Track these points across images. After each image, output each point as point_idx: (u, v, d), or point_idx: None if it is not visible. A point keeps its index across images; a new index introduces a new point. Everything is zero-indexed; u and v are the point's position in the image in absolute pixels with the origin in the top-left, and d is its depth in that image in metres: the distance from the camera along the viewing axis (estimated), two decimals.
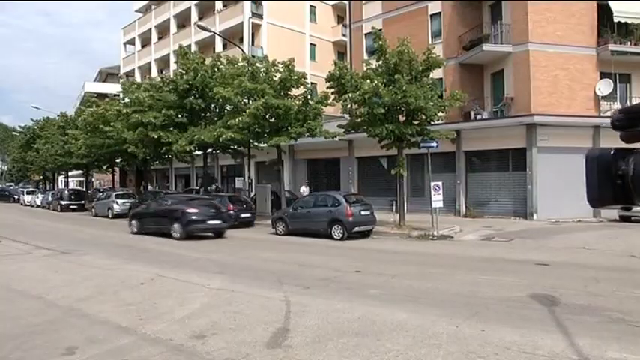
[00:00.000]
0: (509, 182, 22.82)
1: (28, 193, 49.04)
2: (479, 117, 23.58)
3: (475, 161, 24.29)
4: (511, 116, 22.41)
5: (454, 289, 8.89)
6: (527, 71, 21.98)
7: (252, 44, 36.61)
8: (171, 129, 25.63)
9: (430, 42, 25.16)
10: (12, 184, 78.82)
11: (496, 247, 14.88)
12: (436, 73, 20.88)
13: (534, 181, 21.49)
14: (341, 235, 16.82)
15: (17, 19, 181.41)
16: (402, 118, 18.90)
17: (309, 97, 22.41)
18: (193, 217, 17.64)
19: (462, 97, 18.63)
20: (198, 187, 33.48)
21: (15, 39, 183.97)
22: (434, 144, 18.59)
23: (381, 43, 18.33)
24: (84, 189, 47.85)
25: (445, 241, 16.32)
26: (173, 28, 46.42)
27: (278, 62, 22.18)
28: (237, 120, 21.20)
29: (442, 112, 19.34)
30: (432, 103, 18.03)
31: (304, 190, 20.99)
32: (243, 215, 21.85)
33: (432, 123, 19.47)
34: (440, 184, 17.76)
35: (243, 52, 27.00)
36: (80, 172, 48.68)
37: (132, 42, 54.32)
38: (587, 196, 1.45)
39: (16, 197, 51.05)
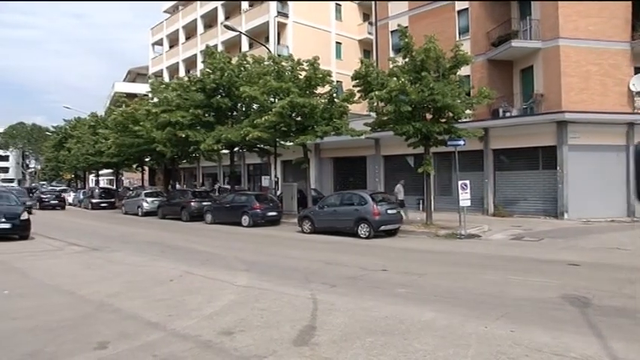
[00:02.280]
0: (539, 181, 22.39)
1: (61, 191, 50.18)
2: (507, 114, 23.19)
3: (503, 159, 23.90)
4: (541, 113, 21.98)
5: (483, 289, 8.76)
6: (558, 67, 21.51)
7: (278, 43, 36.76)
8: (198, 128, 25.97)
9: (457, 38, 24.87)
10: (45, 182, 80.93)
11: (526, 246, 14.61)
12: (464, 71, 20.63)
13: (565, 179, 21.04)
14: (367, 233, 16.76)
15: (49, 21, 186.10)
16: (428, 116, 18.75)
17: (334, 95, 22.41)
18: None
19: (490, 94, 18.37)
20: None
21: (47, 41, 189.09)
22: (461, 142, 18.36)
23: (407, 40, 18.20)
24: (114, 187, 48.80)
25: (473, 241, 16.11)
26: (200, 28, 46.93)
27: (303, 61, 22.22)
28: (263, 119, 21.33)
29: (470, 109, 19.13)
30: (459, 101, 17.82)
31: (399, 189, 20.63)
32: (269, 214, 21.98)
33: (460, 121, 19.26)
34: (467, 182, 17.52)
35: (269, 51, 27.12)
36: (110, 170, 49.67)
37: (160, 42, 55.12)
38: (635, 191, 1.40)
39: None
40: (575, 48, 21.53)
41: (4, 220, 16.22)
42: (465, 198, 17.17)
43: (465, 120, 20.05)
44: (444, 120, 18.65)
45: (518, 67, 24.51)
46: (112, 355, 5.46)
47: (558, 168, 21.25)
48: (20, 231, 16.65)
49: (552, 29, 21.79)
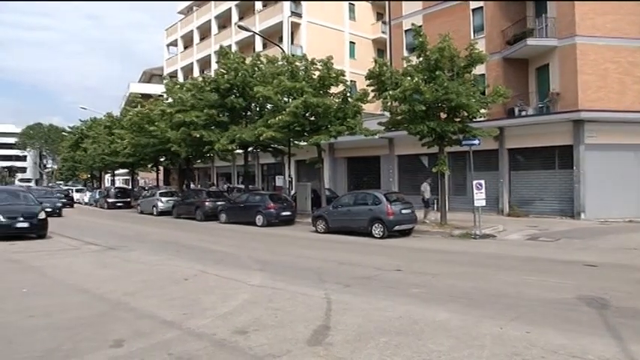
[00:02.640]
0: (555, 180, 22.15)
1: (77, 191, 50.86)
2: (523, 113, 22.97)
3: (519, 159, 23.69)
4: (557, 112, 21.73)
5: (498, 289, 8.69)
6: (575, 65, 21.25)
7: (292, 43, 36.81)
8: (212, 128, 26.10)
9: (472, 37, 24.71)
10: (61, 182, 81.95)
11: (542, 247, 14.47)
12: (478, 69, 20.50)
13: (582, 179, 20.79)
14: (381, 233, 16.73)
15: (66, 23, 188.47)
16: (443, 116, 18.65)
17: (348, 94, 22.40)
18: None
19: (506, 93, 18.24)
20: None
21: (63, 42, 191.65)
22: (476, 141, 18.24)
23: (421, 39, 18.12)
24: (130, 187, 49.26)
25: (488, 241, 15.99)
26: (214, 28, 47.18)
27: (317, 60, 22.23)
28: (277, 119, 21.39)
29: (485, 108, 18.96)
30: (474, 100, 17.69)
31: (425, 187, 20.43)
32: (283, 213, 22.03)
33: (474, 120, 19.13)
34: (482, 182, 17.39)
35: (283, 51, 27.18)
36: (126, 170, 50.14)
37: (174, 43, 55.52)
38: None
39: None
40: (593, 46, 21.25)
41: (22, 219, 16.46)
42: (479, 198, 17.05)
43: (479, 119, 19.90)
44: (458, 119, 18.54)
45: (534, 65, 24.26)
46: (127, 353, 5.51)
47: (575, 167, 21.01)
48: (38, 230, 16.88)
49: (569, 27, 21.53)
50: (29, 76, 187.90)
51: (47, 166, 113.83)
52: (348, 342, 5.82)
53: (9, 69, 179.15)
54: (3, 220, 16.16)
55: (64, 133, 75.09)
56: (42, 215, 17.08)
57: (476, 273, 10.47)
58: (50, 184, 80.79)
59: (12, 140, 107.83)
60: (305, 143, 23.60)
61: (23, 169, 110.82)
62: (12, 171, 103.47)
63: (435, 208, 21.40)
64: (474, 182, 17.20)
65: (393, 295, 8.24)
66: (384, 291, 8.62)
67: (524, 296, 8.10)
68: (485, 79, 23.93)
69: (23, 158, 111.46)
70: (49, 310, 7.34)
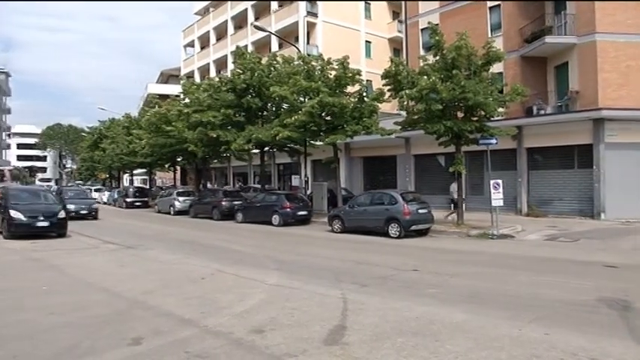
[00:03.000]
0: (575, 180, 21.84)
1: (96, 190, 51.48)
2: (542, 112, 22.70)
3: (537, 158, 23.41)
4: (577, 111, 21.42)
5: (516, 290, 8.60)
6: (594, 63, 20.93)
7: (308, 43, 36.83)
8: (229, 128, 26.24)
9: (489, 35, 24.48)
10: (80, 182, 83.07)
11: (561, 247, 14.28)
12: (496, 68, 20.28)
13: (602, 178, 20.47)
14: (398, 233, 16.66)
15: (83, 24, 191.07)
16: (460, 115, 18.52)
17: (364, 94, 22.35)
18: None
19: (524, 91, 18.01)
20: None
21: (81, 44, 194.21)
22: (493, 140, 18.06)
23: (437, 38, 18.00)
24: (147, 187, 49.75)
25: (506, 241, 15.83)
26: (230, 29, 47.41)
27: (333, 60, 22.22)
28: (293, 118, 21.43)
29: (502, 107, 18.78)
30: (491, 99, 17.52)
31: (454, 187, 20.10)
32: (299, 213, 22.06)
33: (492, 119, 18.95)
34: (500, 181, 17.23)
35: (299, 50, 27.22)
36: (144, 170, 50.68)
37: (191, 44, 55.92)
38: None
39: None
40: (613, 43, 20.91)
41: (42, 218, 16.75)
42: (497, 198, 16.89)
43: (497, 118, 19.71)
44: (475, 118, 18.38)
45: (553, 63, 23.96)
46: (145, 350, 5.56)
47: (595, 167, 20.69)
48: (57, 229, 17.15)
49: (588, 24, 21.22)
50: (49, 78, 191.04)
51: (67, 166, 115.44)
52: (364, 342, 5.81)
53: (29, 70, 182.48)
54: (24, 219, 16.46)
55: (83, 133, 76.18)
56: (62, 214, 17.36)
57: (494, 273, 10.37)
58: (70, 184, 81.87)
59: (32, 141, 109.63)
60: (321, 143, 23.60)
61: (43, 169, 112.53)
62: (33, 171, 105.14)
63: (452, 207, 21.21)
64: (492, 182, 17.05)
65: (409, 296, 8.20)
66: (401, 291, 8.59)
67: (543, 297, 8.00)
68: (502, 77, 23.69)
69: (43, 158, 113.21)
70: (68, 308, 7.44)
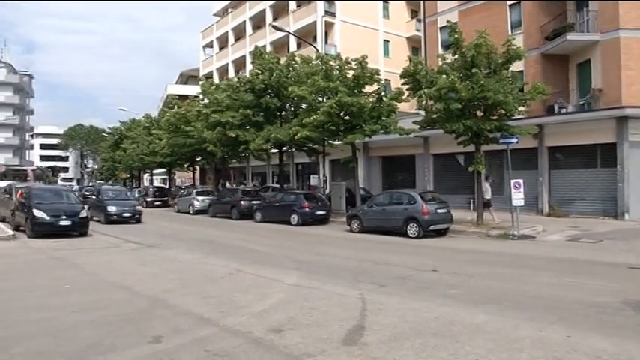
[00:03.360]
0: (597, 179, 21.47)
1: None
2: (563, 110, 22.36)
3: (559, 157, 23.07)
4: (599, 109, 21.06)
5: (537, 291, 8.48)
6: (618, 60, 20.54)
7: (326, 42, 36.82)
8: (248, 128, 26.38)
9: (509, 33, 24.20)
10: (102, 182, 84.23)
11: (583, 248, 14.05)
12: (516, 66, 20.06)
13: (626, 178, 20.09)
14: (417, 233, 16.57)
15: (104, 26, 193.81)
16: (479, 114, 18.35)
17: (383, 93, 22.28)
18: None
19: (545, 89, 17.76)
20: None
21: (102, 45, 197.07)
22: (514, 140, 17.82)
23: (457, 36, 17.87)
24: (167, 186, 50.24)
25: (527, 241, 15.63)
26: (249, 29, 47.62)
27: (351, 60, 22.18)
28: (311, 118, 21.45)
29: (523, 106, 18.54)
30: (511, 97, 17.32)
31: (487, 187, 19.65)
32: (318, 213, 22.08)
33: (512, 118, 18.73)
34: (520, 181, 17.02)
35: (317, 50, 27.22)
36: (163, 170, 51.15)
37: (210, 45, 56.30)
38: None
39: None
40: (638, 39, 20.50)
41: (64, 217, 17.03)
42: (518, 197, 16.69)
43: (517, 117, 19.47)
44: (495, 117, 18.21)
45: (575, 61, 23.59)
46: (165, 349, 5.60)
47: (618, 166, 20.32)
48: (79, 228, 17.43)
49: (611, 20, 20.84)
50: (71, 79, 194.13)
51: (88, 166, 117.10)
52: (383, 342, 5.78)
53: (51, 72, 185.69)
54: (47, 218, 16.75)
55: (104, 134, 77.18)
56: (83, 214, 17.63)
57: (514, 274, 10.25)
58: (91, 184, 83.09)
59: (55, 141, 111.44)
60: (339, 143, 23.58)
61: (65, 169, 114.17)
62: (55, 171, 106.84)
63: (472, 207, 21.04)
64: (512, 182, 16.86)
65: (428, 296, 8.15)
66: (420, 291, 8.54)
67: (565, 299, 7.88)
68: (523, 75, 23.41)
69: (65, 159, 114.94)
70: (90, 306, 7.55)
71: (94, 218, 22.31)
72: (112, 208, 22.62)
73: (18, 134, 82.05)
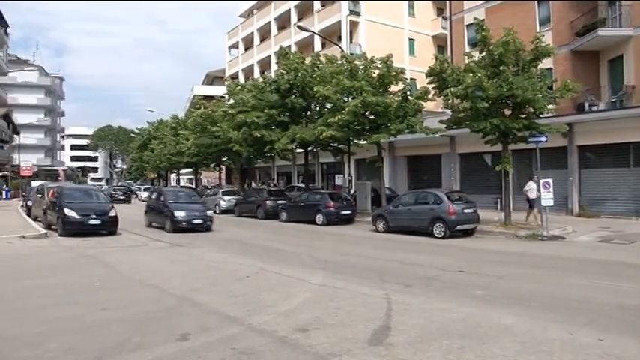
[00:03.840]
0: (630, 179, 20.91)
1: (145, 190, 52.98)
2: (594, 108, 21.86)
3: (590, 156, 22.55)
4: (632, 106, 20.49)
5: (567, 293, 8.31)
6: None
7: (351, 42, 36.76)
8: (273, 128, 26.49)
9: (538, 30, 23.79)
10: (130, 181, 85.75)
11: (615, 249, 13.70)
12: (545, 63, 19.67)
13: None
14: (443, 233, 16.41)
15: (132, 29, 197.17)
16: (507, 112, 18.06)
17: (408, 92, 22.13)
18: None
19: (575, 87, 17.38)
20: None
21: (131, 47, 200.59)
22: (543, 138, 17.48)
23: (484, 33, 17.64)
24: (193, 186, 50.83)
25: (556, 242, 15.32)
26: (274, 30, 47.86)
27: (376, 59, 22.09)
28: (336, 118, 21.43)
29: (552, 104, 18.20)
30: (540, 95, 16.99)
31: (531, 186, 18.88)
32: (343, 212, 22.06)
33: (541, 116, 18.38)
34: (550, 181, 16.70)
35: (342, 50, 27.19)
36: (190, 170, 51.77)
37: (235, 46, 56.77)
38: None
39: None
40: None
41: (94, 216, 17.39)
42: (547, 197, 16.38)
43: (546, 115, 19.10)
44: (524, 116, 17.90)
45: (606, 57, 23.04)
46: (192, 346, 5.67)
47: None
48: (109, 227, 17.75)
49: None
50: (99, 81, 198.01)
51: (117, 166, 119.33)
52: (409, 343, 5.74)
53: (81, 74, 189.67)
54: (77, 217, 17.12)
55: (132, 134, 78.57)
56: (113, 213, 17.96)
57: (543, 275, 10.06)
58: (120, 183, 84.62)
59: (85, 142, 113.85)
60: (365, 142, 23.51)
61: (95, 169, 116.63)
62: (85, 171, 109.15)
63: (499, 207, 20.70)
64: (541, 181, 16.55)
65: (455, 297, 8.06)
66: (446, 292, 8.45)
67: (597, 301, 7.69)
68: (552, 73, 22.96)
69: (95, 159, 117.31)
70: (119, 304, 7.69)
71: (154, 224, 20.66)
72: (180, 214, 18.68)
73: (49, 135, 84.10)
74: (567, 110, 22.29)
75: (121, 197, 43.75)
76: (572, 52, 23.40)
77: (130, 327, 6.42)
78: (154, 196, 22.92)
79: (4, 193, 38.60)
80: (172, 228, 18.56)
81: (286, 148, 25.88)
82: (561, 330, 6.15)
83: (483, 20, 19.07)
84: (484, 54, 17.82)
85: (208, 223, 19.33)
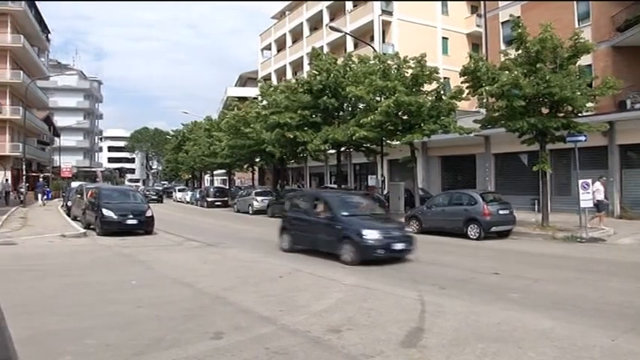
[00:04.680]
0: None
1: (179, 190, 53.96)
2: (637, 106, 21.12)
3: (632, 156, 21.78)
4: None
5: (608, 297, 8.04)
6: None
7: (383, 41, 36.54)
8: (306, 129, 26.57)
9: (577, 25, 23.14)
10: (165, 182, 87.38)
11: None
12: (584, 60, 19.16)
13: None
14: (477, 234, 16.14)
15: (166, 33, 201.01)
16: (544, 111, 17.63)
17: (442, 92, 21.86)
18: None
19: (616, 84, 16.82)
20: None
21: (165, 51, 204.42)
22: (582, 137, 16.99)
23: (520, 30, 17.26)
24: (227, 187, 51.45)
25: (596, 245, 14.87)
26: (306, 31, 47.99)
27: (409, 58, 21.90)
28: (369, 118, 21.35)
29: (592, 102, 17.67)
30: (579, 93, 16.55)
31: (598, 187, 17.66)
32: None
33: (580, 114, 17.87)
34: (589, 181, 16.23)
35: (374, 50, 27.06)
36: (223, 171, 52.42)
37: (268, 47, 57.18)
38: None
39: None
40: None
41: (131, 216, 17.77)
42: (586, 198, 15.92)
43: (586, 114, 18.55)
44: (562, 114, 17.45)
45: None
46: (226, 345, 5.71)
47: None
48: (145, 226, 18.10)
49: None
50: (136, 84, 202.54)
51: (153, 167, 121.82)
52: (443, 346, 5.65)
53: (117, 78, 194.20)
54: (115, 217, 17.53)
55: (167, 136, 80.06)
56: (149, 213, 18.32)
57: (582, 279, 9.77)
58: (156, 184, 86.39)
59: (122, 144, 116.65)
60: (398, 142, 23.34)
61: (132, 170, 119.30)
62: (122, 172, 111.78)
63: (536, 209, 20.20)
64: (580, 182, 16.10)
65: (490, 300, 7.91)
66: (481, 295, 8.30)
67: (639, 306, 7.42)
68: (591, 70, 22.31)
69: (132, 160, 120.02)
70: (155, 302, 7.83)
71: (321, 249, 12.71)
72: (370, 235, 11.45)
73: (88, 137, 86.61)
74: (608, 108, 21.61)
75: (154, 197, 44.92)
76: (613, 48, 22.67)
77: (165, 325, 6.53)
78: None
79: (40, 196, 39.94)
80: (360, 256, 11.39)
81: (319, 148, 25.92)
82: (602, 336, 5.94)
83: (519, 17, 18.73)
84: (520, 51, 17.46)
85: (410, 247, 12.09)
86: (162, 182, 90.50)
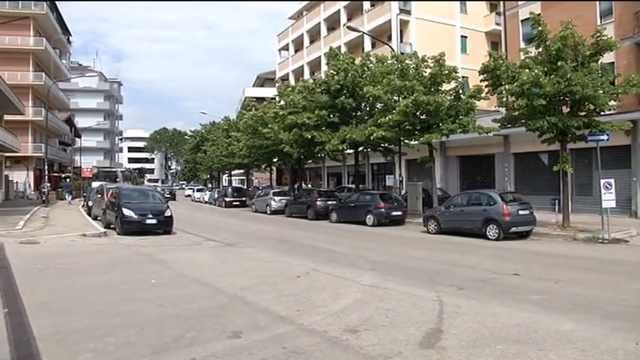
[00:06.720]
0: None
1: (198, 190, 54.41)
2: None
3: None
4: None
5: (632, 300, 7.89)
6: None
7: (401, 41, 36.39)
8: (323, 129, 26.58)
9: (599, 22, 22.75)
10: (184, 182, 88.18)
11: None
12: (607, 57, 18.79)
13: None
14: (496, 235, 15.97)
15: (184, 34, 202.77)
16: (565, 110, 17.37)
17: (460, 91, 21.69)
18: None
19: None
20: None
21: (183, 52, 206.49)
22: (604, 137, 16.70)
23: (540, 28, 17.04)
24: (245, 187, 51.73)
25: (618, 246, 14.61)
26: (323, 31, 48.01)
27: (428, 57, 21.76)
28: (387, 118, 21.28)
29: (614, 100, 17.34)
30: (601, 91, 16.26)
31: None
32: (394, 213, 21.86)
33: (602, 113, 17.56)
34: (611, 181, 15.93)
35: (392, 49, 26.96)
36: (241, 171, 52.75)
37: (286, 48, 57.34)
38: None
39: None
40: None
41: (150, 216, 17.95)
42: (608, 199, 15.64)
43: (608, 112, 18.23)
44: (583, 113, 17.16)
45: None
46: (244, 344, 5.74)
47: None
48: (164, 226, 18.27)
49: None
50: (155, 85, 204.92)
51: (171, 167, 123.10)
52: (461, 347, 5.60)
53: (136, 79, 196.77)
54: (135, 216, 17.72)
55: (186, 136, 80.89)
56: (168, 213, 18.48)
57: (604, 281, 9.61)
58: (174, 183, 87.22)
59: (141, 144, 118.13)
60: (416, 142, 23.22)
61: (151, 170, 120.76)
62: (142, 172, 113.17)
63: (557, 209, 19.89)
64: (603, 182, 15.83)
65: (510, 301, 7.81)
66: (500, 296, 8.20)
67: None
68: (614, 67, 21.90)
69: (151, 160, 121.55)
70: (174, 301, 7.89)
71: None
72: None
73: (108, 138, 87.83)
74: (631, 106, 21.19)
75: (168, 195, 45.73)
76: (637, 45, 22.24)
77: (184, 323, 6.58)
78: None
79: (67, 195, 40.77)
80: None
81: (337, 148, 25.91)
82: (625, 339, 5.83)
83: (539, 15, 18.41)
84: (540, 49, 17.24)
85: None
86: (181, 182, 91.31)
